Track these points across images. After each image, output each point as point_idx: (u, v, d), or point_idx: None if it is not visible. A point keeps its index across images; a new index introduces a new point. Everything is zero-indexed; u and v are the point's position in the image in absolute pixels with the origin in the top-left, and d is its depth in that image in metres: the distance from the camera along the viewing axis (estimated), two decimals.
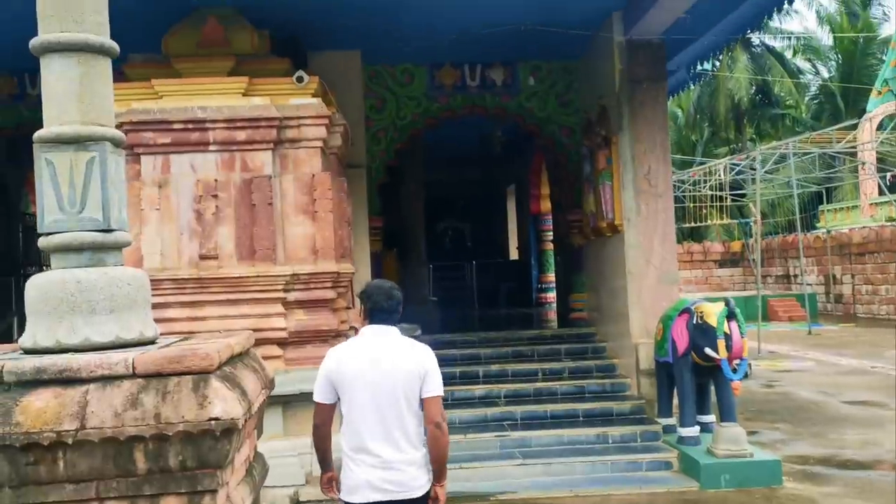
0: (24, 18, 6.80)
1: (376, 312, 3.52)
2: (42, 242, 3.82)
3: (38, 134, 3.81)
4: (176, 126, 6.88)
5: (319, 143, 7.16)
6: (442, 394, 3.43)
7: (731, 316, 7.04)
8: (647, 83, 8.70)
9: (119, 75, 7.38)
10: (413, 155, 12.89)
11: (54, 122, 3.81)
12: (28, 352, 3.78)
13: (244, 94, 7.08)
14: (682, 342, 7.40)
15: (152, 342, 3.88)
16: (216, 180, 6.95)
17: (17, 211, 12.91)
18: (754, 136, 34.95)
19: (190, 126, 6.89)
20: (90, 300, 3.67)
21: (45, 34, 3.80)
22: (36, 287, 3.71)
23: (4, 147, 11.72)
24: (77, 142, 3.78)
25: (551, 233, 13.67)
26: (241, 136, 6.96)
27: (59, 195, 3.73)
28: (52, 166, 3.75)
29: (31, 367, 3.36)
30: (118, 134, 3.91)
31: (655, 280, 8.57)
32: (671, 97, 12.68)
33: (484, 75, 10.61)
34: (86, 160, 3.76)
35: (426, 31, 9.21)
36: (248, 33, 7.58)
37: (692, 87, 13.80)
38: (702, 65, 10.70)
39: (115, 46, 3.92)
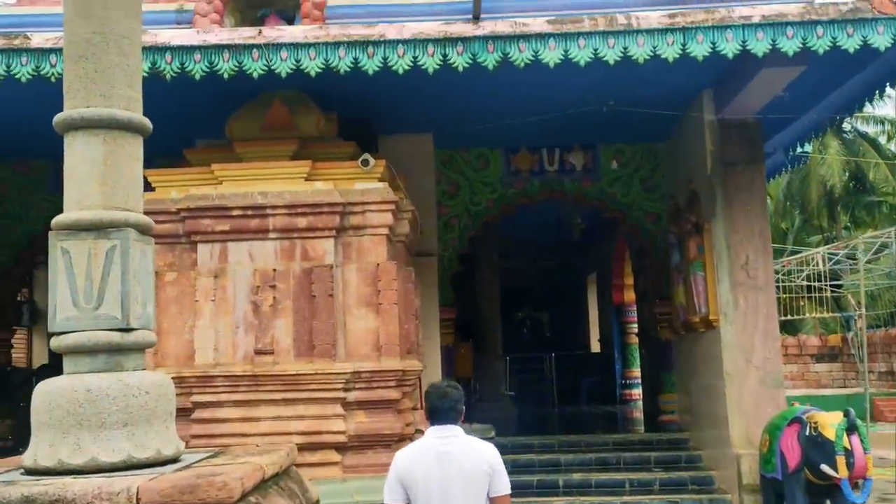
0: None
1: (434, 413, 3.45)
2: (54, 343, 3.34)
3: (55, 220, 3.39)
4: (235, 212, 6.52)
5: (385, 231, 6.68)
6: (510, 492, 3.38)
7: (851, 429, 6.10)
8: (743, 166, 8.00)
9: (181, 161, 7.14)
10: (488, 242, 12.37)
11: (74, 206, 3.38)
12: (28, 471, 3.25)
13: (307, 179, 6.71)
14: (793, 456, 6.45)
15: (173, 461, 3.32)
16: (275, 270, 6.52)
17: None
18: (849, 223, 33.36)
19: (249, 212, 6.53)
20: (100, 412, 3.15)
21: (69, 109, 3.42)
22: (42, 395, 3.22)
23: None
24: (97, 228, 3.32)
25: (636, 325, 12.79)
26: (302, 222, 6.54)
27: (73, 289, 3.26)
28: (69, 256, 3.30)
29: (18, 495, 2.83)
30: (144, 220, 3.44)
31: (757, 382, 7.67)
32: (769, 181, 11.90)
33: (563, 159, 10.09)
34: (106, 249, 3.29)
35: (501, 115, 8.76)
36: (314, 116, 7.26)
37: (783, 172, 12.93)
38: (801, 146, 9.93)
39: (146, 123, 3.49)
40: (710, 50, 6.12)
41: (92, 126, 3.37)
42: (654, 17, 6.28)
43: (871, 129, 34.12)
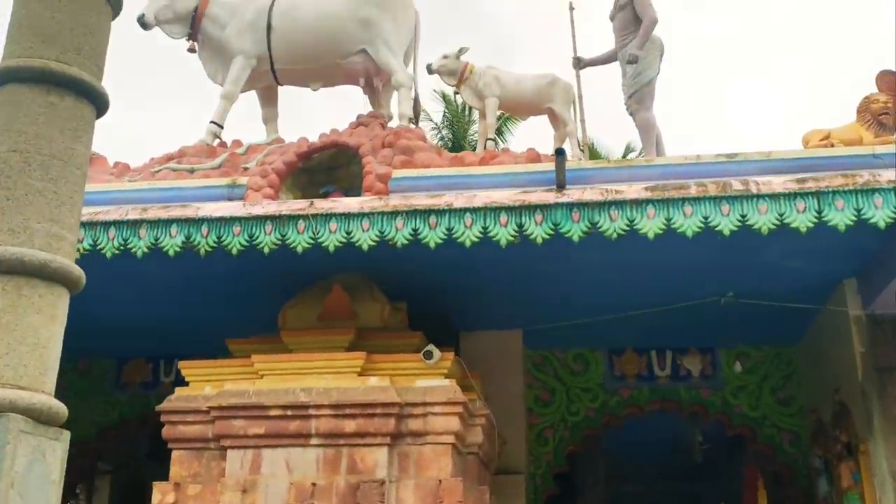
0: (159, 301, 5.89)
1: None
2: None
3: None
4: (273, 412, 5.49)
5: (451, 439, 5.46)
6: None
7: None
8: None
9: (225, 354, 6.29)
10: (593, 462, 10.75)
11: None
12: None
13: (360, 374, 5.66)
14: None
15: None
16: (314, 485, 5.33)
17: None
18: None
19: (289, 413, 5.48)
20: None
21: None
22: None
23: (147, 441, 10.85)
24: None
25: None
26: (349, 426, 5.42)
27: None
28: None
29: None
30: (47, 404, 2.41)
31: None
32: None
33: (676, 364, 8.65)
34: None
35: (602, 311, 7.57)
36: (379, 305, 6.33)
37: None
38: None
39: (73, 271, 2.57)
40: (854, 217, 4.90)
41: None
42: (778, 183, 5.17)
43: None
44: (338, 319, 6.23)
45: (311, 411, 5.47)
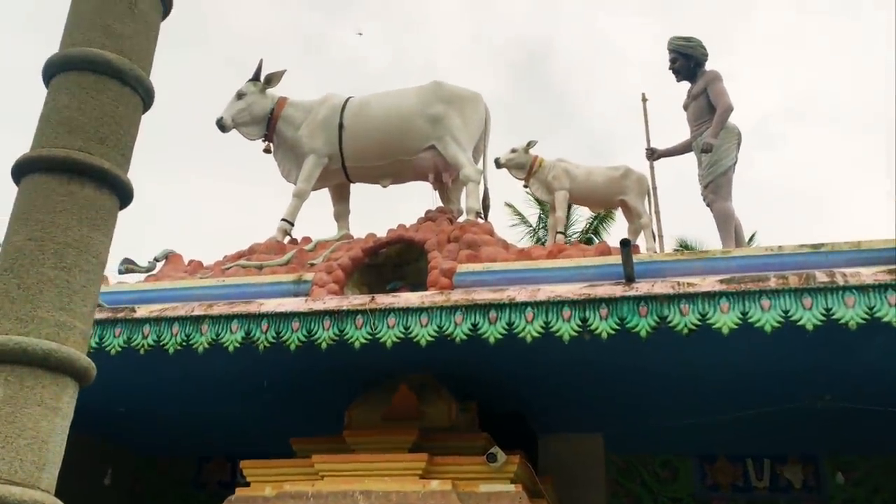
0: (229, 399, 5.85)
1: None
2: None
3: None
4: None
5: None
6: None
7: None
8: None
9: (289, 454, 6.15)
10: None
11: None
12: None
13: (422, 477, 5.40)
14: None
15: None
16: None
17: None
18: None
19: None
20: None
21: None
22: None
23: None
24: None
25: None
26: None
27: None
28: None
29: None
30: (41, 498, 2.32)
31: None
32: None
33: (775, 473, 7.98)
34: None
35: (689, 414, 7.10)
36: (446, 404, 6.11)
37: None
38: None
39: (83, 363, 2.51)
40: None
41: None
42: (867, 274, 4.76)
43: None
44: (404, 419, 6.04)
45: None
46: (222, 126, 7.60)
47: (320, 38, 40.17)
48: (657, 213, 7.25)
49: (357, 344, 5.13)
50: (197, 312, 5.45)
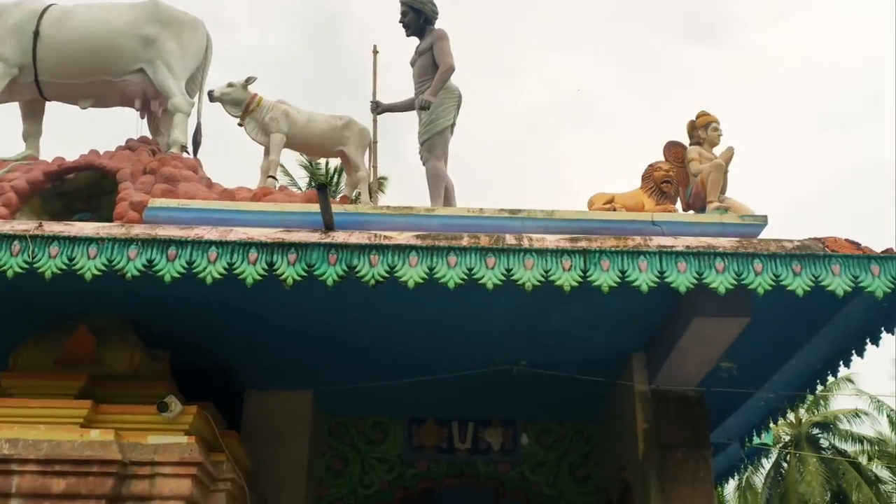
0: None
1: None
2: None
3: None
4: None
5: None
6: None
7: None
8: (684, 450, 6.22)
9: None
10: None
11: None
12: None
13: (83, 426, 4.92)
14: None
15: None
16: None
17: None
18: None
19: None
20: None
21: None
22: None
23: None
24: None
25: None
26: (58, 485, 4.67)
27: None
28: None
29: None
30: None
31: None
32: (727, 480, 10.07)
33: (477, 436, 8.26)
34: None
35: (399, 375, 7.12)
36: (129, 351, 5.64)
37: (743, 470, 10.76)
38: (759, 436, 8.21)
39: None
40: (619, 278, 4.69)
41: None
42: (551, 240, 4.94)
43: (850, 448, 32.33)
44: (80, 365, 5.50)
45: (14, 466, 4.67)
46: None
47: None
48: (375, 167, 7.18)
49: (10, 273, 4.54)
50: None
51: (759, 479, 31.26)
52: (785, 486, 29.02)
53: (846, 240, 4.99)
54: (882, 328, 5.39)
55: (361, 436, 8.22)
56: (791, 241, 5.01)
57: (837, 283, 4.68)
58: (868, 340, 5.60)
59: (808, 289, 4.67)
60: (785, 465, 29.70)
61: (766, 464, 30.03)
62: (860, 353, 5.81)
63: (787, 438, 29.91)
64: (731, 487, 32.66)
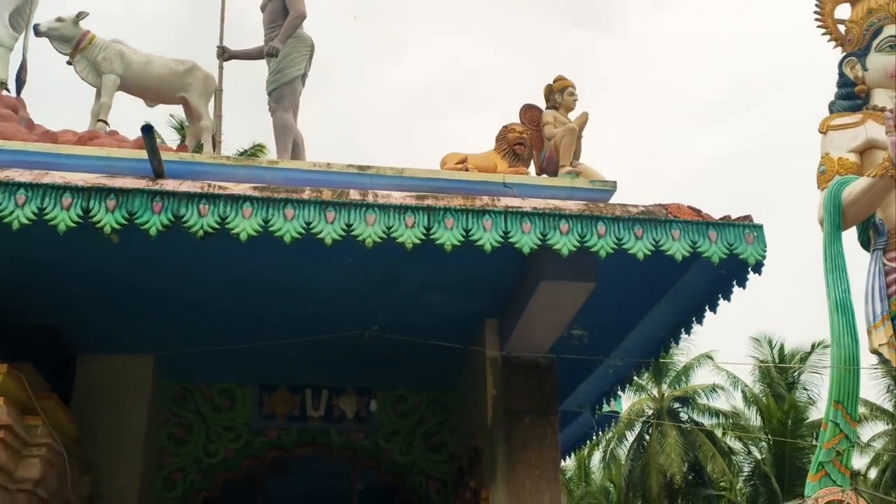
0: None
1: None
2: None
3: None
4: None
5: None
6: None
7: None
8: (531, 417, 6.22)
9: None
10: None
11: None
12: None
13: None
14: None
15: None
16: None
17: None
18: None
19: None
20: None
21: None
22: None
23: None
24: None
25: None
26: None
27: None
28: None
29: None
30: None
31: None
32: (577, 449, 10.28)
33: (331, 404, 8.05)
34: None
35: (250, 339, 6.79)
36: None
37: (594, 437, 10.93)
38: (608, 403, 8.37)
39: None
40: (462, 237, 4.57)
41: None
42: (397, 196, 4.77)
43: (707, 421, 34.06)
44: None
45: None
46: None
47: None
48: (220, 116, 6.81)
49: None
50: None
51: (623, 451, 32.50)
52: (647, 458, 30.35)
53: (689, 206, 5.06)
54: (720, 296, 5.50)
55: (208, 403, 7.88)
56: (636, 206, 5.05)
57: (676, 247, 4.73)
58: (707, 308, 5.73)
59: (649, 252, 4.70)
60: (647, 437, 30.94)
61: (630, 436, 31.37)
62: (699, 321, 5.95)
63: (650, 412, 31.18)
64: (596, 459, 34.00)
